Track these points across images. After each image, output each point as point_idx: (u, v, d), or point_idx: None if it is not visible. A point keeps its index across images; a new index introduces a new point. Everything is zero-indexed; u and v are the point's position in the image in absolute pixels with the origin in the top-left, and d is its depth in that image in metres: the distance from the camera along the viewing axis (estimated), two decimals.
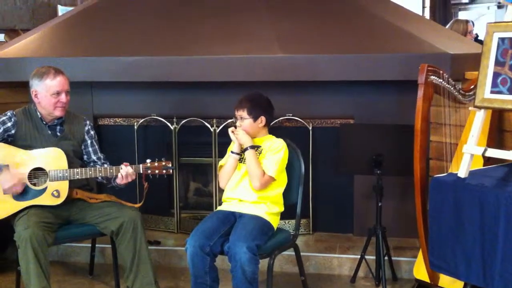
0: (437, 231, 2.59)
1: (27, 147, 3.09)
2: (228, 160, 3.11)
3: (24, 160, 3.06)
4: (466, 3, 10.54)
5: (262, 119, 3.08)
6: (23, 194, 3.03)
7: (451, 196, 2.52)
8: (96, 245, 3.60)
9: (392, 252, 3.48)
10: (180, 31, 3.89)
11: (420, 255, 3.06)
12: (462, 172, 2.55)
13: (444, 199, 2.54)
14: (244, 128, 3.06)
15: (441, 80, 2.79)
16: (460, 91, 2.83)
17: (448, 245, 2.54)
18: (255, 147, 3.04)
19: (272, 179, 3.03)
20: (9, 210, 3.03)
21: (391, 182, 3.49)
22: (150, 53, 3.74)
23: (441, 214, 2.56)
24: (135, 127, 3.95)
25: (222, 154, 3.30)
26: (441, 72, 2.79)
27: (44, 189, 3.05)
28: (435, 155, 3.40)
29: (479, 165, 2.82)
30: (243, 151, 3.06)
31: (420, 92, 2.79)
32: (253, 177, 3.01)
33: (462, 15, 10.14)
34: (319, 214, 3.93)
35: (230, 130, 3.09)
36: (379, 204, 3.29)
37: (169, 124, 3.88)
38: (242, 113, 3.05)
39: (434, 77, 2.78)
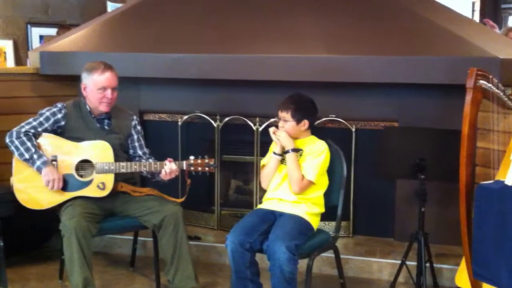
0: (481, 239, 2.54)
1: (76, 139, 3.17)
2: (270, 161, 3.12)
3: (72, 151, 3.14)
4: None
5: (305, 123, 3.06)
6: (69, 185, 3.11)
7: (496, 204, 2.46)
8: (138, 238, 3.66)
9: (434, 259, 3.41)
10: (226, 29, 3.92)
11: (462, 262, 3.00)
12: (510, 180, 2.48)
13: (490, 206, 2.48)
14: (286, 130, 3.04)
15: (490, 85, 2.72)
16: (510, 96, 2.76)
17: (492, 254, 2.48)
18: (296, 150, 3.04)
19: (311, 183, 3.01)
20: (55, 200, 3.11)
21: (434, 188, 3.43)
22: (196, 51, 3.78)
23: (485, 222, 2.51)
24: (179, 123, 4.00)
25: (264, 153, 3.31)
26: (490, 76, 2.73)
27: (90, 181, 3.12)
28: (482, 162, 3.33)
29: None
30: (284, 152, 3.06)
31: (468, 97, 2.73)
32: (292, 180, 3.01)
33: None
34: (359, 217, 3.90)
35: (271, 130, 3.09)
36: (422, 210, 3.24)
37: (212, 122, 3.91)
38: (286, 115, 3.04)
39: (483, 81, 2.71)
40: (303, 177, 2.99)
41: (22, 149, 3.06)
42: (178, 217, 3.10)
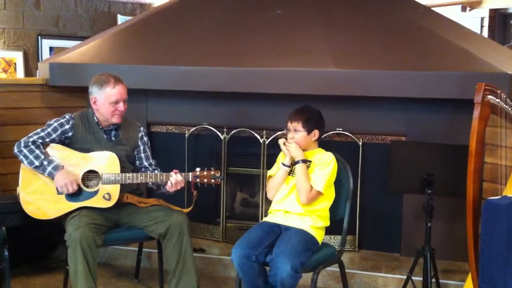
0: (488, 255, 2.51)
1: (83, 150, 3.17)
2: (278, 172, 3.11)
3: (79, 162, 3.15)
4: None
5: (316, 133, 3.07)
6: (75, 195, 3.11)
7: (504, 220, 2.44)
8: (143, 249, 3.65)
9: (440, 275, 3.38)
10: (235, 43, 3.94)
11: (469, 279, 2.97)
12: None
13: (497, 222, 2.47)
14: (296, 140, 3.05)
15: (499, 100, 2.71)
16: None
17: (498, 270, 2.46)
18: (306, 161, 3.04)
19: (319, 193, 3.01)
20: (61, 210, 3.11)
21: (442, 203, 3.41)
22: (204, 64, 3.80)
23: (492, 238, 2.49)
24: (186, 135, 4.01)
25: (270, 166, 3.31)
26: (498, 92, 2.72)
27: (96, 192, 3.12)
28: (489, 177, 3.31)
29: None
30: (293, 164, 3.06)
31: (476, 112, 2.72)
32: (300, 191, 3.00)
33: None
34: (365, 231, 3.88)
35: (281, 142, 3.09)
36: (429, 225, 3.22)
37: (219, 134, 3.92)
38: (297, 125, 3.04)
39: (491, 96, 2.71)
40: (311, 188, 2.99)
41: (31, 157, 3.07)
42: (183, 226, 3.09)
